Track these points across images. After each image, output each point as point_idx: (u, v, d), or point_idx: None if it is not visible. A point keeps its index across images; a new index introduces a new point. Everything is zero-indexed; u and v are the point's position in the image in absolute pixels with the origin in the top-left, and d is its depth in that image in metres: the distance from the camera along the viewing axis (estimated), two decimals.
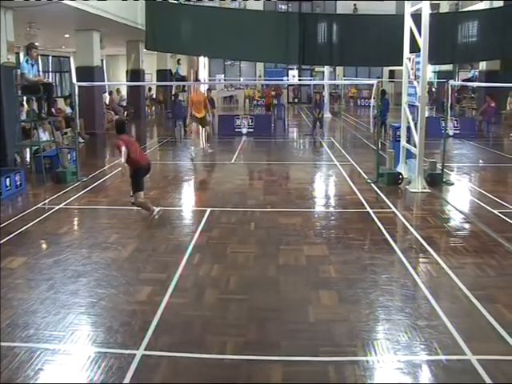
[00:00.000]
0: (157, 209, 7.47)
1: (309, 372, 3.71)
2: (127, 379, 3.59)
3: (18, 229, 7.02)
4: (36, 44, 11.45)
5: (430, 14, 9.28)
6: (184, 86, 22.96)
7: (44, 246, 6.53)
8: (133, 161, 7.24)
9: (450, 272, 5.44)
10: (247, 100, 33.24)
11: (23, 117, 12.19)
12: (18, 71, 10.97)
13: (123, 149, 6.98)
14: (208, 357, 3.90)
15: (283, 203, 8.53)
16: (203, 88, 15.10)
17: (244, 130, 17.75)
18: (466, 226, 7.36)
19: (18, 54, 16.34)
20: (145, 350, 3.95)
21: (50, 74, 25.70)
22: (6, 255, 5.98)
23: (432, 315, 4.49)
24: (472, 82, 22.70)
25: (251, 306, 4.73)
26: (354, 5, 31.98)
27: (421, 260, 5.92)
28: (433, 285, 5.18)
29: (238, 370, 3.73)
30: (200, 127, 13.86)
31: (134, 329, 4.29)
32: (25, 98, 12.19)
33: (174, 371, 3.76)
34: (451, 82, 12.27)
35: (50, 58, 25.69)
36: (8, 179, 8.97)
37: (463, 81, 23.65)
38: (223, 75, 34.85)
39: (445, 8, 25.51)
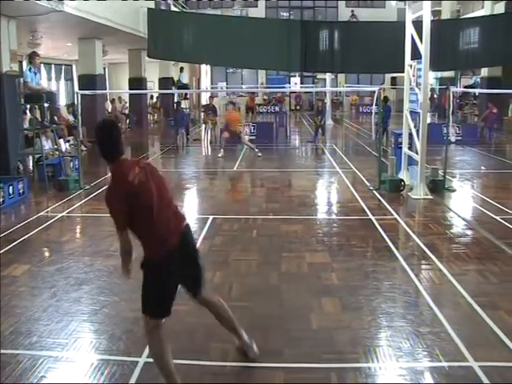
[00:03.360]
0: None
1: (311, 379, 3.70)
2: None
3: (21, 237, 7.04)
4: (39, 52, 11.53)
5: (432, 21, 9.33)
6: (186, 93, 23.03)
7: (47, 253, 6.55)
8: (144, 240, 3.61)
9: (452, 279, 5.44)
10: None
11: (26, 125, 12.25)
12: (21, 80, 11.04)
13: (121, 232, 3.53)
14: (210, 364, 3.90)
15: (285, 210, 8.54)
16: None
17: (246, 138, 17.76)
18: (468, 232, 7.35)
19: (20, 62, 16.42)
20: (147, 357, 3.95)
21: (53, 81, 25.78)
22: (9, 263, 6.00)
23: (434, 322, 4.49)
24: (474, 88, 22.75)
25: (253, 314, 4.73)
26: (352, 11, 32.14)
27: (423, 267, 5.91)
28: (435, 291, 5.18)
29: (240, 377, 3.73)
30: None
31: (136, 336, 4.29)
32: (28, 106, 12.25)
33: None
34: (452, 88, 12.30)
35: (53, 66, 25.80)
36: (11, 187, 9.00)
37: (465, 87, 23.73)
38: (225, 83, 34.98)
39: (446, 15, 25.60)
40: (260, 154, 14.17)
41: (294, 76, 34.24)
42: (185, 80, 24.32)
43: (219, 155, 14.31)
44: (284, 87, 30.29)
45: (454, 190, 9.81)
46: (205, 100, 30.75)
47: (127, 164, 3.52)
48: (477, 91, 21.96)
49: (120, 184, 3.44)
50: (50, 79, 24.26)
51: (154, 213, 3.41)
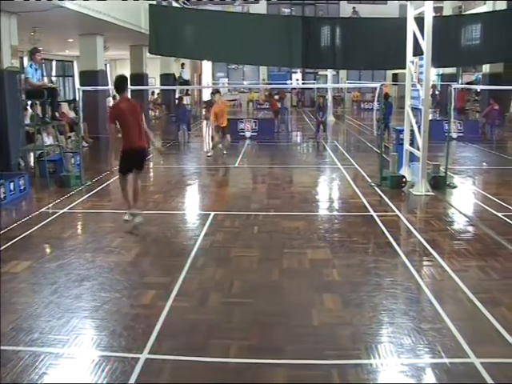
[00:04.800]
0: (126, 216, 7.24)
1: (313, 375, 3.70)
2: (131, 382, 3.59)
3: (22, 233, 7.04)
4: (40, 48, 11.51)
5: (433, 17, 9.29)
6: (187, 89, 23.00)
7: (48, 250, 6.55)
8: (123, 138, 7.09)
9: (453, 275, 5.43)
10: (250, 103, 33.33)
11: (27, 121, 12.25)
12: (22, 76, 11.02)
13: (110, 124, 7.12)
14: (212, 360, 3.90)
15: (287, 207, 8.53)
16: (214, 97, 14.55)
17: (248, 134, 17.78)
18: (470, 228, 7.35)
19: (21, 58, 16.41)
20: (148, 353, 3.96)
21: (54, 78, 25.77)
22: (10, 259, 6.00)
23: (436, 318, 4.48)
24: (475, 84, 22.70)
25: (255, 310, 4.73)
26: (353, 7, 32.04)
27: (424, 263, 5.91)
28: (436, 288, 5.18)
29: (241, 374, 3.73)
30: (221, 133, 13.56)
31: (137, 332, 4.30)
32: (29, 102, 12.25)
33: (177, 375, 3.76)
34: (454, 84, 12.27)
35: (54, 62, 25.78)
36: (12, 183, 9.00)
37: (466, 84, 23.67)
38: (227, 79, 34.95)
39: (448, 11, 25.51)
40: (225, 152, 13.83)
41: (296, 72, 34.20)
42: (186, 76, 24.30)
43: (208, 154, 13.85)
44: (285, 83, 30.23)
45: (455, 187, 9.80)
46: (206, 96, 30.74)
47: (124, 98, 7.27)
48: (478, 87, 21.90)
49: (116, 105, 7.39)
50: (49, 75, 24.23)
51: (127, 126, 7.00)
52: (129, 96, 7.59)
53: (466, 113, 21.31)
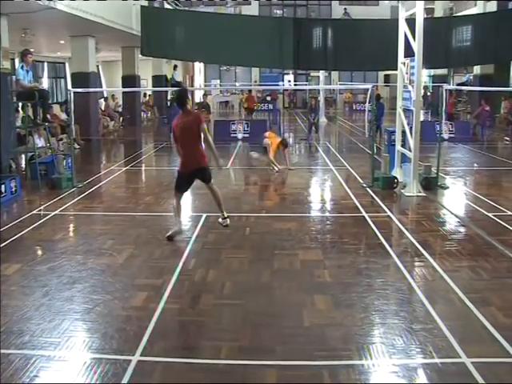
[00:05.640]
0: (172, 232, 6.79)
1: (303, 376, 3.71)
2: None
3: (13, 235, 6.99)
4: (31, 50, 11.47)
5: (425, 19, 9.33)
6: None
7: (39, 252, 6.52)
8: (179, 156, 6.84)
9: (444, 275, 5.46)
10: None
11: (18, 123, 12.19)
12: (13, 77, 10.97)
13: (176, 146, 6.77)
14: (203, 362, 3.90)
15: (278, 208, 8.54)
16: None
17: (239, 135, 17.78)
18: (461, 229, 7.39)
19: (12, 60, 16.34)
20: (140, 355, 3.95)
21: (46, 79, 25.66)
22: (1, 262, 5.96)
23: (427, 319, 4.50)
24: (466, 86, 22.83)
25: (246, 311, 4.73)
26: (345, 9, 32.17)
27: (416, 264, 5.93)
28: (428, 288, 5.20)
29: (232, 375, 3.73)
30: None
31: (129, 334, 4.29)
32: (20, 104, 12.20)
33: (169, 376, 3.75)
34: (445, 86, 12.34)
35: (46, 63, 25.67)
36: (3, 186, 8.94)
37: (457, 85, 23.79)
38: (219, 80, 34.96)
39: (439, 13, 25.65)
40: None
41: (288, 74, 34.27)
42: (178, 78, 24.27)
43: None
44: (277, 85, 30.28)
45: (446, 188, 9.84)
46: (198, 98, 30.72)
47: (184, 113, 6.63)
48: (469, 89, 22.03)
49: (174, 123, 6.76)
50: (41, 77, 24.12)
51: (180, 144, 6.61)
52: (188, 108, 6.92)
53: (455, 118, 21.46)
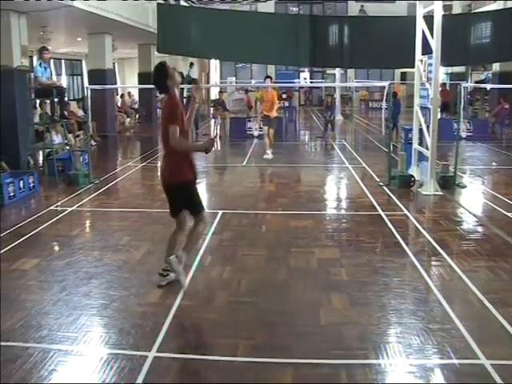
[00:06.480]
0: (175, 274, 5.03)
1: (319, 375, 3.69)
2: (139, 381, 3.60)
3: (31, 231, 7.07)
4: (48, 47, 11.56)
5: (443, 16, 9.22)
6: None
7: (56, 247, 6.58)
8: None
9: (462, 275, 5.40)
10: (258, 103, 33.26)
11: (36, 119, 12.30)
12: (32, 75, 11.08)
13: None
14: (219, 359, 3.90)
15: (294, 206, 8.51)
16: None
17: (255, 133, 17.75)
18: (479, 228, 7.30)
19: (31, 57, 16.50)
20: (156, 351, 3.96)
21: (64, 77, 25.85)
22: (19, 257, 6.03)
23: (444, 319, 4.46)
24: (485, 83, 22.53)
25: (262, 309, 4.73)
26: (361, 6, 31.94)
27: (433, 263, 5.88)
28: (445, 288, 5.14)
29: (248, 373, 3.73)
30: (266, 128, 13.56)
31: (145, 331, 4.31)
32: (38, 101, 12.32)
33: (185, 373, 3.77)
34: (463, 83, 12.20)
35: (63, 61, 25.86)
36: (21, 181, 9.05)
37: (476, 82, 23.51)
38: (234, 78, 34.91)
39: (457, 9, 25.35)
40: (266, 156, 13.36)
41: (304, 71, 34.13)
42: (194, 75, 24.30)
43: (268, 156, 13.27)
44: (293, 82, 30.18)
45: (464, 186, 9.73)
46: (214, 95, 30.73)
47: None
48: (488, 86, 21.74)
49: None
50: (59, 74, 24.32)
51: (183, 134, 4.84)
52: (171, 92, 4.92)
53: (449, 109, 20.86)
